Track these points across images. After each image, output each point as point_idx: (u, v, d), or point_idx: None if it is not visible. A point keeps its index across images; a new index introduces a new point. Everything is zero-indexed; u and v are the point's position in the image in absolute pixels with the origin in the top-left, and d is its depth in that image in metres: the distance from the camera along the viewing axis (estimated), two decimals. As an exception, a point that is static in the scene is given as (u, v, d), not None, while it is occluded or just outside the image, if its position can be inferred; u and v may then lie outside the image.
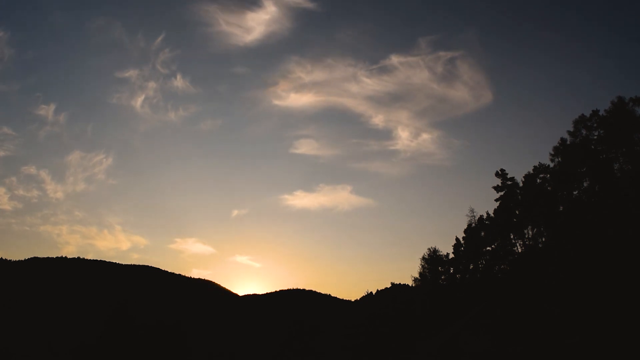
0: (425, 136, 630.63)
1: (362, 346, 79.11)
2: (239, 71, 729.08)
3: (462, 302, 66.25)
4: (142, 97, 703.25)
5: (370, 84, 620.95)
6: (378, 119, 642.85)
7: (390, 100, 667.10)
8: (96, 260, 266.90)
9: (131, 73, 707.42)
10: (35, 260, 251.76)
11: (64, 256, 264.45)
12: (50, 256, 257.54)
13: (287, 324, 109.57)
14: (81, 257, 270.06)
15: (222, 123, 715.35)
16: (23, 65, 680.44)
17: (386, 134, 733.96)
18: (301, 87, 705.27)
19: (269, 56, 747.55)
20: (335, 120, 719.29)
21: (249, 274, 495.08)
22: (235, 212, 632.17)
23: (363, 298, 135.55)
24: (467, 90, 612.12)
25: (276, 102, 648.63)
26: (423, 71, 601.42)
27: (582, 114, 64.68)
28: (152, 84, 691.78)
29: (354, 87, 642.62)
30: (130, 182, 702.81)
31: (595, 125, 62.98)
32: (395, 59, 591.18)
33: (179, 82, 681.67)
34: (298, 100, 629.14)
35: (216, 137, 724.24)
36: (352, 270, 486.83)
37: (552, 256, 57.06)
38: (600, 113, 62.73)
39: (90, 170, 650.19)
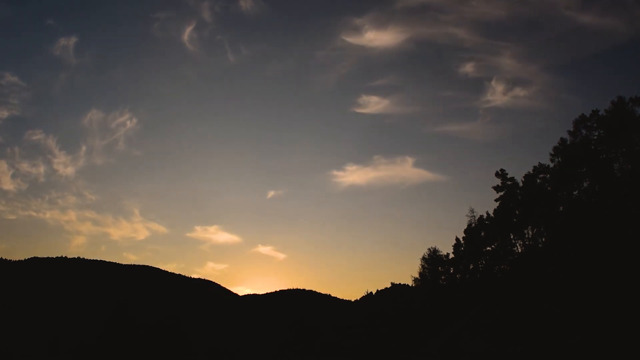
0: (526, 90, 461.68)
1: (362, 346, 79.07)
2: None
3: (462, 302, 66.25)
4: (193, 24, 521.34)
5: (480, 5, 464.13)
6: (470, 66, 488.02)
7: (500, 31, 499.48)
8: (96, 260, 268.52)
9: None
10: (35, 260, 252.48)
11: (64, 256, 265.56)
12: (50, 256, 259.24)
13: (287, 324, 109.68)
14: (82, 257, 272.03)
15: (285, 69, 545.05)
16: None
17: (477, 86, 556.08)
18: (387, 20, 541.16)
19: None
20: (415, 67, 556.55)
21: (268, 268, 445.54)
22: (270, 194, 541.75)
23: (363, 298, 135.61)
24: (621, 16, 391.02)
25: (350, 39, 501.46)
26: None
27: (582, 114, 64.68)
28: (208, 5, 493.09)
29: (458, 9, 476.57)
30: (157, 154, 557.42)
31: (595, 125, 62.92)
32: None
33: (246, 1, 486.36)
34: (376, 39, 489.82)
35: (274, 88, 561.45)
36: (352, 270, 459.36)
37: (552, 256, 57.04)
38: (600, 113, 62.69)
39: (110, 136, 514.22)
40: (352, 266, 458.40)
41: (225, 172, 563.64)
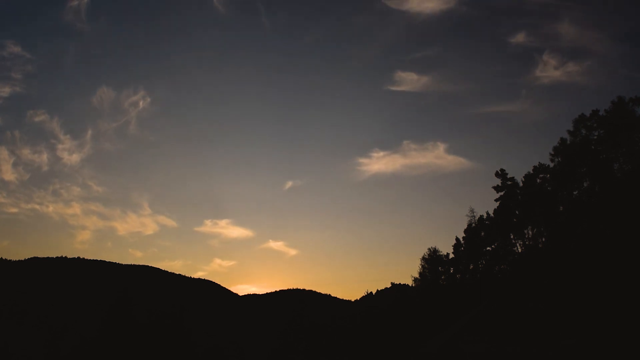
0: (584, 64, 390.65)
1: (361, 346, 79.06)
2: None
3: (462, 302, 66.26)
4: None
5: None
6: (522, 36, 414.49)
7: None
8: (96, 260, 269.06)
9: None
10: (35, 260, 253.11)
11: (64, 256, 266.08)
12: (50, 256, 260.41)
13: (287, 324, 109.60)
14: (82, 256, 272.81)
15: (320, 37, 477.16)
16: None
17: (527, 59, 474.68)
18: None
19: None
20: (462, 38, 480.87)
21: (278, 264, 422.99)
22: (288, 184, 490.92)
23: (363, 298, 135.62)
24: None
25: (391, 4, 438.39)
26: None
27: (582, 114, 64.71)
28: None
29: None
30: (171, 138, 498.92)
31: (595, 125, 62.94)
32: None
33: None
34: (422, 3, 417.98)
35: (305, 61, 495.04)
36: (352, 270, 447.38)
37: (552, 256, 57.02)
38: (600, 113, 62.72)
39: (121, 117, 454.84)
40: (356, 265, 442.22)
41: (243, 158, 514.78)
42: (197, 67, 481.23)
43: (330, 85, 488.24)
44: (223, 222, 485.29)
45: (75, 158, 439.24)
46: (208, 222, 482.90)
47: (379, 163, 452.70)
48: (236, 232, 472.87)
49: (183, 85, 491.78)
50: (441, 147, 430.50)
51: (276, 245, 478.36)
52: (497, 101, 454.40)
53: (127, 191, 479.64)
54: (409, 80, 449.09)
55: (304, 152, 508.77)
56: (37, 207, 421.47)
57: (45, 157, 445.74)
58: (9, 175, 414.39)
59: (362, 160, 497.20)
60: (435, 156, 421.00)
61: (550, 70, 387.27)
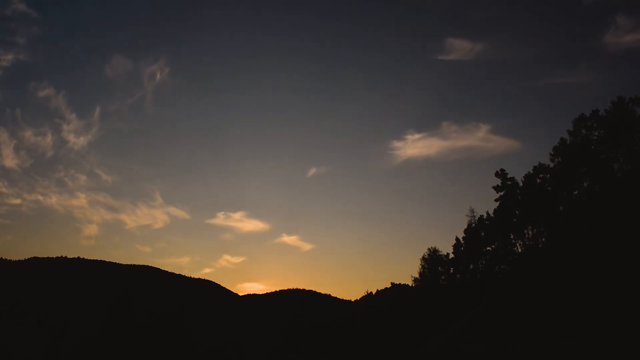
0: None
1: (361, 346, 79.06)
2: None
3: (462, 302, 66.24)
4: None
5: None
6: None
7: None
8: (96, 260, 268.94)
9: None
10: (35, 260, 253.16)
11: (64, 256, 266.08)
12: (50, 256, 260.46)
13: (287, 324, 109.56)
14: (82, 257, 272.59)
15: None
16: None
17: (598, 20, 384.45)
18: None
19: None
20: None
21: (288, 261, 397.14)
22: (312, 171, 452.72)
23: (363, 298, 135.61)
24: None
25: None
26: None
27: (582, 114, 64.76)
28: None
29: None
30: (192, 115, 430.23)
31: (595, 125, 62.95)
32: None
33: None
34: None
35: (346, 28, 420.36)
36: (352, 270, 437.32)
37: (552, 256, 57.01)
38: (600, 113, 62.73)
39: (135, 92, 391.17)
40: (356, 264, 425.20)
41: (265, 141, 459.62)
42: (221, 31, 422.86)
43: (366, 55, 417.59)
44: (237, 215, 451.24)
45: (82, 141, 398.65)
46: (221, 214, 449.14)
47: (414, 147, 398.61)
48: (250, 225, 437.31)
49: (206, 50, 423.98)
50: (485, 128, 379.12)
51: (290, 239, 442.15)
52: (556, 72, 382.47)
53: (138, 179, 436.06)
54: (460, 48, 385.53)
55: (332, 134, 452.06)
56: (40, 197, 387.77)
57: (49, 139, 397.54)
58: (10, 161, 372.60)
59: (398, 143, 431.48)
60: (479, 138, 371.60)
61: (622, 35, 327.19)
